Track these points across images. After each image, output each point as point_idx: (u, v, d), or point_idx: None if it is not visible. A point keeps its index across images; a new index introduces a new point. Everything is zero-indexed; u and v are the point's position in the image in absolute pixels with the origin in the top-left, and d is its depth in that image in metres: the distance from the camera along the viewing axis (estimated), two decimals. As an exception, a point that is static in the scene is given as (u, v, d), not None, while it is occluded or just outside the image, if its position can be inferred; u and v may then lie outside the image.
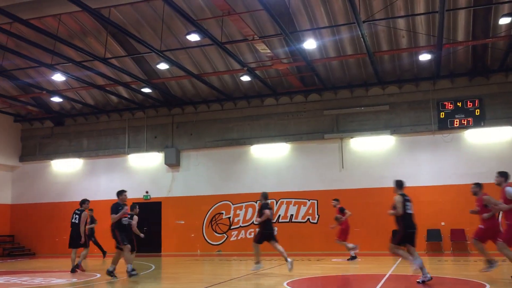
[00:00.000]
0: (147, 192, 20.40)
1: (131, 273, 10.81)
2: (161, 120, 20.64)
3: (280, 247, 11.08)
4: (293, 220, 18.48)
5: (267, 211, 11.09)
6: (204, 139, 19.89)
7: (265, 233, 11.18)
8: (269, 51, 14.99)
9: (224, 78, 18.74)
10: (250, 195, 18.95)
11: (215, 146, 19.71)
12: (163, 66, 15.87)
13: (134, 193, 20.39)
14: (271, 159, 19.10)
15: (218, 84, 18.84)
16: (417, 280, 8.67)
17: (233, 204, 19.24)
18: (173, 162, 19.85)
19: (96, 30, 16.01)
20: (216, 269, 13.19)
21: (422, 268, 8.56)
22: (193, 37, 13.54)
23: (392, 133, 17.72)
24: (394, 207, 8.93)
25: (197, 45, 15.35)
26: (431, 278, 8.66)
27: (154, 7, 14.72)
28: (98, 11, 12.91)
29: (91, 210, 15.07)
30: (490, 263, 9.35)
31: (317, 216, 18.27)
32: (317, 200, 18.29)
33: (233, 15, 12.69)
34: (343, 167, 18.14)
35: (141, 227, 17.29)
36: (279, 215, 18.68)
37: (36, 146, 22.40)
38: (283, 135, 18.94)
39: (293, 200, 18.51)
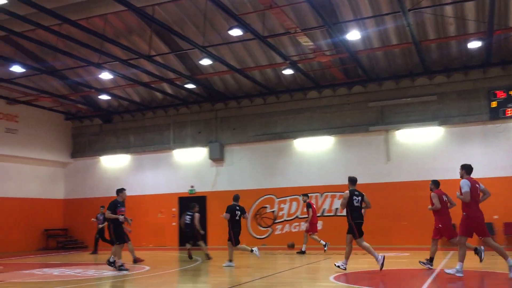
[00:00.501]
0: (192, 186, 20.72)
1: (113, 264, 11.47)
2: (204, 115, 20.88)
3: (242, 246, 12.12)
4: (338, 214, 18.30)
5: (225, 215, 12.09)
6: (247, 134, 19.97)
7: (236, 232, 12.07)
8: (311, 43, 14.84)
9: (266, 72, 18.73)
10: (294, 189, 18.90)
11: (258, 140, 19.76)
12: (206, 61, 16.02)
13: (180, 188, 20.81)
14: (314, 153, 18.97)
15: (261, 78, 18.85)
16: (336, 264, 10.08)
17: (277, 198, 19.25)
18: (217, 157, 20.06)
19: (140, 28, 16.35)
20: (262, 263, 13.23)
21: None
22: (235, 32, 13.60)
23: (440, 124, 17.19)
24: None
25: (239, 39, 15.40)
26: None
27: (197, 4, 14.87)
28: (142, 10, 13.19)
29: (102, 207, 15.88)
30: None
31: (362, 210, 17.97)
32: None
33: (275, 8, 12.63)
34: (389, 160, 17.77)
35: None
36: (324, 209, 18.56)
37: (86, 143, 23.19)
38: (326, 128, 18.75)
39: (338, 194, 18.31)
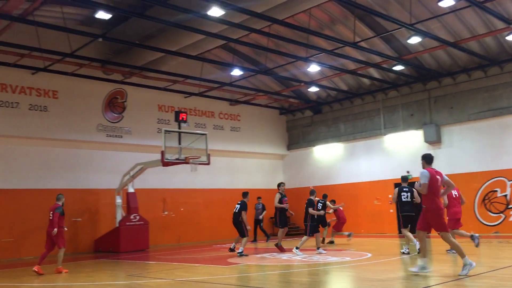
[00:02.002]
0: (408, 171, 19.85)
1: (298, 249, 12.98)
2: (416, 96, 19.80)
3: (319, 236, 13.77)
4: None
5: (310, 210, 13.27)
6: (467, 112, 18.20)
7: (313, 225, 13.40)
8: (542, -1, 12.69)
9: (486, 41, 16.74)
10: (530, 170, 16.52)
11: (481, 118, 17.83)
12: (414, 40, 15.13)
13: (395, 173, 20.11)
14: (554, 127, 16.24)
15: (479, 49, 16.95)
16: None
17: (508, 181, 17.09)
18: (433, 139, 18.83)
19: (343, 16, 16.33)
20: (496, 252, 11.94)
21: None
22: (447, 3, 12.52)
23: None
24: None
25: (450, 10, 14.12)
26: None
27: (400, -20, 14.14)
28: (345, -3, 13.13)
29: (259, 198, 16.66)
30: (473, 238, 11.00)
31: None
32: None
33: (493, -33, 11.17)
34: None
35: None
36: None
37: (300, 134, 24.33)
38: None
39: None
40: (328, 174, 22.68)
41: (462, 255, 8.10)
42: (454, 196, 11.56)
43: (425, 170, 8.41)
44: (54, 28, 13.82)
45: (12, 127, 16.04)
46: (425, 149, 19.35)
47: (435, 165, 19.59)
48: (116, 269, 12.23)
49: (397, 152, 20.36)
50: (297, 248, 13.04)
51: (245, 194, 13.85)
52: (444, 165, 18.74)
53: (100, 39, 14.68)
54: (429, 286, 7.45)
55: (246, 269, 10.88)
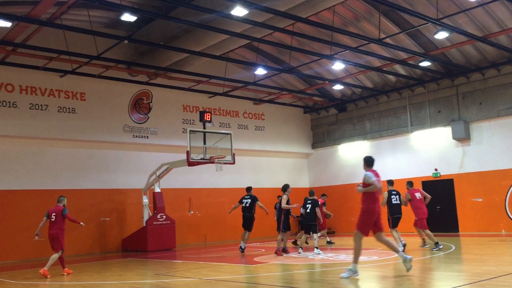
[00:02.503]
0: (436, 169, 19.54)
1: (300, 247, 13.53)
2: (443, 92, 19.42)
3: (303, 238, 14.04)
4: None
5: (317, 210, 13.81)
6: (497, 107, 17.76)
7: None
8: None
9: (515, 35, 16.34)
10: None
11: (511, 113, 17.38)
12: (441, 35, 14.84)
13: (422, 172, 19.87)
14: None
15: (508, 43, 16.52)
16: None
17: (541, 178, 16.62)
18: (462, 136, 18.44)
19: (368, 13, 16.15)
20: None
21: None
22: (474, -4, 12.21)
23: None
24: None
25: (478, 4, 13.81)
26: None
27: (426, -26, 13.91)
28: (369, -7, 12.97)
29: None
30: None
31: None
32: None
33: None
34: None
35: (433, 206, 16.83)
36: None
37: (324, 133, 24.17)
38: None
39: None
40: (354, 173, 22.41)
41: (355, 261, 8.43)
42: (418, 198, 12.83)
43: (368, 172, 8.71)
44: (81, 31, 14.10)
45: (42, 129, 16.41)
46: (454, 146, 19.03)
47: (466, 163, 19.29)
48: (144, 268, 12.39)
49: (425, 149, 20.02)
50: (317, 248, 13.10)
51: (249, 188, 15.27)
52: (473, 162, 18.47)
53: (126, 41, 14.89)
54: (459, 286, 7.31)
55: (272, 268, 10.87)
